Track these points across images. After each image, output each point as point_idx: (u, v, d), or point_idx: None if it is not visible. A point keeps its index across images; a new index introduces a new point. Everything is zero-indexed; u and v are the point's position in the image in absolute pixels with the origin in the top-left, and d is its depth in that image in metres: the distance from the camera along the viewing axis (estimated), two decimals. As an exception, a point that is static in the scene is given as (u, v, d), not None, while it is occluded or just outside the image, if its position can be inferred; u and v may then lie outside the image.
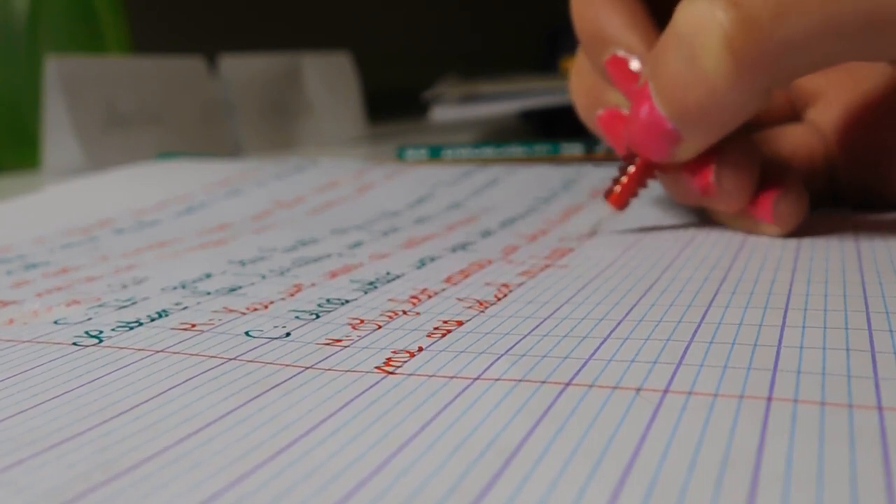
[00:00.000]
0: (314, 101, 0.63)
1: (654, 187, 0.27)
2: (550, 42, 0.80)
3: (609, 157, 0.38)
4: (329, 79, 0.65)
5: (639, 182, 0.22)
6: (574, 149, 0.39)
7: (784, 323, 0.15)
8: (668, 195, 0.24)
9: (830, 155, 0.25)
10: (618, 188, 0.22)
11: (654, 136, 0.20)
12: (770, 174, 0.22)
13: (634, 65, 0.22)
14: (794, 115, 0.27)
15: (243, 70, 0.58)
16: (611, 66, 0.22)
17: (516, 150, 0.40)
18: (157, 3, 0.75)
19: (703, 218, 0.25)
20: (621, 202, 0.22)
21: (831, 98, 0.25)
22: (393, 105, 0.75)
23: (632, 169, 0.22)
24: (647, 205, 0.28)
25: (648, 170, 0.22)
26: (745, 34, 0.18)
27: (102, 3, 0.55)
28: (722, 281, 0.18)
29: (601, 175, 0.33)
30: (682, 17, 0.19)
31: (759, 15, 0.18)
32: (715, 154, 0.21)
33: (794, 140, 0.25)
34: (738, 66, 0.18)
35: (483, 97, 0.52)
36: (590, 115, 0.25)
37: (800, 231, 0.22)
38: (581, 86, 0.25)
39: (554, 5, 0.85)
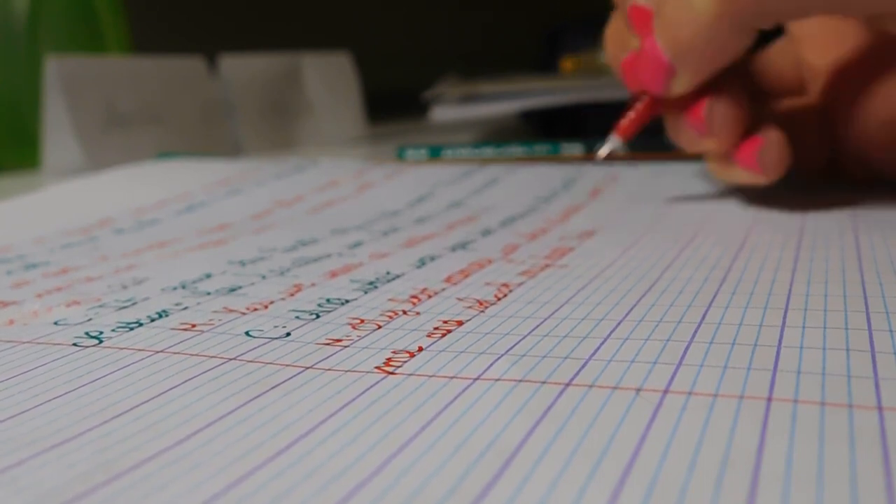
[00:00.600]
0: (314, 101, 0.63)
1: (651, 191, 0.27)
2: (550, 42, 0.80)
3: (609, 158, 0.38)
4: (329, 79, 0.65)
5: (644, 116, 0.25)
6: (574, 149, 0.39)
7: (784, 323, 0.15)
8: (672, 140, 0.26)
9: (826, 116, 0.27)
10: (625, 121, 0.26)
11: (654, 68, 0.23)
12: (759, 127, 0.24)
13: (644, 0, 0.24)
14: (802, 91, 0.29)
15: (243, 70, 0.58)
16: (632, 13, 0.25)
17: (516, 150, 0.40)
18: (157, 3, 0.75)
19: (703, 218, 0.25)
20: (628, 133, 0.26)
21: (835, 76, 0.27)
22: (393, 105, 0.75)
23: (639, 105, 0.25)
24: (647, 205, 0.28)
25: (653, 106, 0.25)
26: None
27: (102, 3, 0.54)
28: (722, 281, 0.18)
29: (602, 174, 0.33)
30: None
31: None
32: (707, 92, 0.24)
33: (795, 103, 0.28)
34: (721, 4, 0.21)
35: (483, 97, 0.52)
36: (616, 60, 0.27)
37: (800, 229, 0.22)
38: (613, 37, 0.28)
39: (554, 5, 0.85)
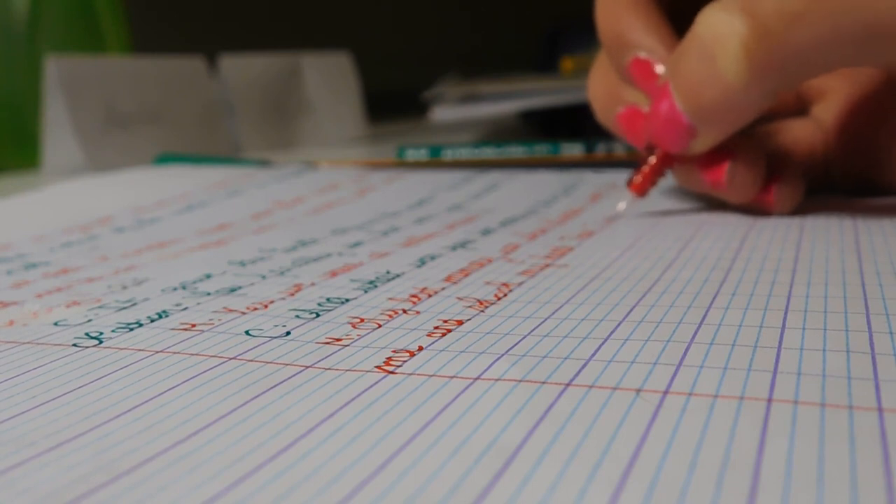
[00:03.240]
0: (314, 101, 0.63)
1: (651, 193, 0.27)
2: (550, 42, 0.80)
3: (609, 158, 0.38)
4: (329, 79, 0.65)
5: (657, 172, 0.25)
6: (574, 149, 0.39)
7: (784, 325, 0.15)
8: (680, 185, 0.26)
9: (828, 147, 0.27)
10: (639, 178, 0.25)
11: (673, 130, 0.23)
12: (772, 164, 0.24)
13: (659, 68, 0.24)
14: (800, 109, 0.29)
15: (243, 70, 0.58)
16: (633, 67, 0.24)
17: (516, 150, 0.40)
18: (157, 3, 0.75)
19: (703, 219, 0.25)
20: (642, 190, 0.25)
21: (834, 96, 0.28)
22: (393, 105, 0.75)
23: (652, 160, 0.25)
24: (647, 205, 0.28)
25: (666, 162, 0.25)
26: (760, 42, 0.20)
27: (102, 3, 0.54)
28: (722, 282, 0.18)
29: (602, 180, 0.33)
30: (704, 24, 0.21)
31: (773, 25, 0.20)
32: (727, 153, 0.24)
33: (797, 133, 0.27)
34: (752, 70, 0.21)
35: (483, 97, 0.52)
36: (609, 113, 0.27)
37: (800, 229, 0.22)
38: (600, 87, 0.27)
39: (554, 5, 0.85)
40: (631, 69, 0.24)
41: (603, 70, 0.27)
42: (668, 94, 0.22)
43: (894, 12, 0.19)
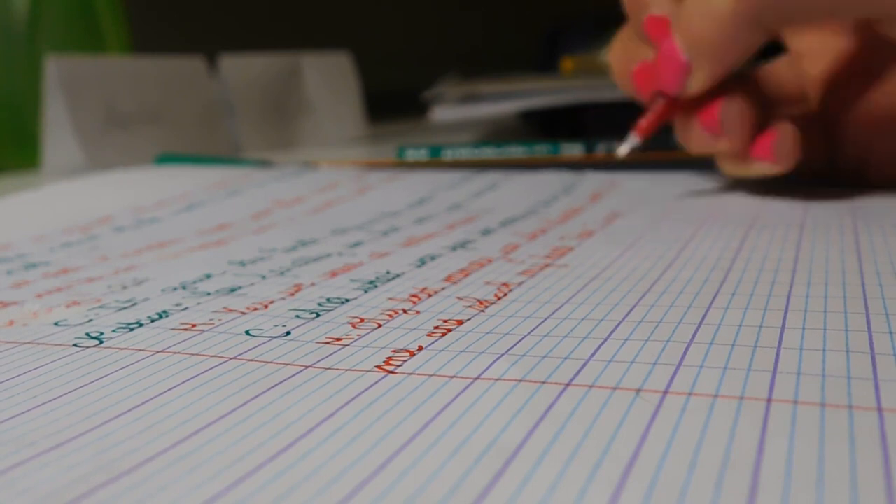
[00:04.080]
0: (314, 101, 0.63)
1: (651, 194, 0.27)
2: (550, 42, 0.80)
3: (609, 159, 0.38)
4: (329, 79, 0.65)
5: (662, 117, 0.27)
6: (574, 149, 0.39)
7: (784, 325, 0.15)
8: (682, 142, 0.28)
9: (826, 122, 0.29)
10: (644, 121, 0.27)
11: (671, 67, 0.25)
12: (769, 121, 0.26)
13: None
14: (803, 101, 0.30)
15: (243, 70, 0.57)
16: (648, 24, 0.26)
17: (516, 150, 0.40)
18: (157, 3, 0.75)
19: (703, 219, 0.25)
20: (646, 131, 0.27)
21: (836, 88, 0.29)
22: (393, 105, 0.75)
23: (657, 106, 0.27)
24: (647, 205, 0.28)
25: (670, 108, 0.27)
26: None
27: (102, 3, 0.54)
28: (722, 282, 0.18)
29: (602, 180, 0.33)
30: None
31: None
32: (722, 95, 0.25)
33: (797, 109, 0.29)
34: (739, 4, 0.23)
35: (483, 97, 0.52)
36: (625, 72, 0.29)
37: (799, 228, 0.22)
38: (619, 51, 0.30)
39: (554, 5, 0.85)
40: (646, 26, 0.26)
41: (623, 38, 0.30)
42: (669, 36, 0.25)
43: None
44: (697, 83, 0.25)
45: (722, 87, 0.26)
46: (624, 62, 0.29)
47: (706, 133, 0.26)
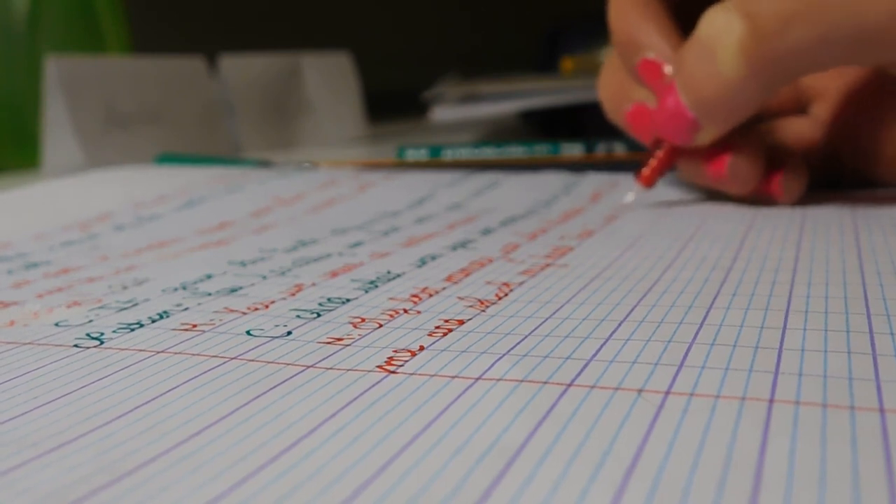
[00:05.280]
0: (314, 101, 0.63)
1: (651, 194, 0.27)
2: (550, 42, 0.80)
3: (609, 158, 0.38)
4: (329, 79, 0.65)
5: (664, 165, 0.26)
6: (574, 149, 0.39)
7: (785, 325, 0.15)
8: (686, 180, 0.28)
9: (829, 142, 0.29)
10: (647, 170, 0.26)
11: (678, 123, 0.24)
12: (777, 156, 0.26)
13: (667, 68, 0.25)
14: (799, 108, 0.31)
15: (243, 70, 0.57)
16: (642, 67, 0.26)
17: (516, 150, 0.40)
18: (157, 3, 0.75)
19: (703, 218, 0.25)
20: (650, 181, 0.27)
21: (832, 96, 0.29)
22: (393, 105, 0.75)
23: (659, 153, 0.26)
24: (647, 205, 0.28)
25: (673, 155, 0.26)
26: (756, 41, 0.22)
27: (102, 3, 0.54)
28: (722, 282, 0.18)
29: (602, 180, 0.33)
30: (706, 26, 0.23)
31: (769, 26, 0.22)
32: (728, 147, 0.25)
33: (797, 128, 0.29)
34: (749, 67, 0.22)
35: (483, 97, 0.52)
36: (617, 111, 0.29)
37: (800, 228, 0.22)
38: (609, 87, 0.29)
39: (554, 5, 0.85)
40: (640, 69, 0.26)
41: (612, 70, 0.29)
42: (673, 90, 0.24)
43: (881, 19, 0.21)
44: (705, 139, 0.25)
45: (729, 137, 0.25)
46: (616, 101, 0.29)
47: (714, 179, 0.26)
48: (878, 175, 0.28)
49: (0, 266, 0.23)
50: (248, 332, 0.16)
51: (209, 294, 0.19)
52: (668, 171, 0.27)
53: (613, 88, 0.29)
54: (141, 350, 0.15)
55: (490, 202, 0.30)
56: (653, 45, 0.25)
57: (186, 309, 0.18)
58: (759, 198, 0.26)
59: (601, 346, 0.14)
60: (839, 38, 0.22)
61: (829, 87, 0.29)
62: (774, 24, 0.22)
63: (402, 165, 0.41)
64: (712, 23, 0.23)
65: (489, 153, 0.40)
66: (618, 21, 0.27)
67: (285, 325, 0.16)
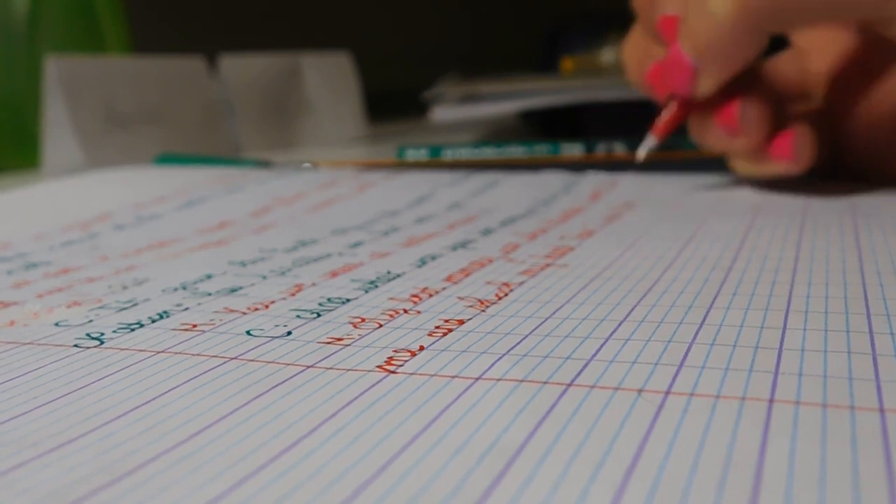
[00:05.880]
0: (314, 101, 0.63)
1: (651, 194, 0.27)
2: (550, 42, 0.80)
3: (609, 159, 0.38)
4: (329, 79, 0.65)
5: (677, 118, 0.28)
6: (574, 149, 0.39)
7: (785, 325, 0.15)
8: (699, 141, 0.28)
9: (830, 118, 0.29)
10: (660, 123, 0.28)
11: (678, 70, 0.26)
12: (784, 121, 0.26)
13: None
14: (807, 97, 0.31)
15: (243, 70, 0.57)
16: (661, 23, 0.27)
17: (516, 150, 0.40)
18: (157, 3, 0.75)
19: (703, 218, 0.25)
20: (663, 133, 0.28)
21: (840, 84, 0.30)
22: (393, 105, 0.75)
23: (672, 107, 0.27)
24: (646, 205, 0.28)
25: (684, 109, 0.27)
26: None
27: (102, 3, 0.54)
28: (722, 282, 0.18)
29: (602, 180, 0.33)
30: None
31: None
32: (737, 96, 0.26)
33: (804, 107, 0.30)
34: (737, 9, 0.24)
35: (483, 97, 0.52)
36: (639, 73, 0.29)
37: (800, 228, 0.22)
38: (632, 50, 0.30)
39: (554, 5, 0.85)
40: (660, 25, 0.27)
41: (636, 36, 0.30)
42: (676, 39, 0.26)
43: None
44: (705, 87, 0.26)
45: (737, 86, 0.26)
46: (637, 62, 0.29)
47: (724, 132, 0.26)
48: (882, 167, 0.28)
49: (0, 266, 0.23)
50: (248, 332, 0.16)
51: (209, 294, 0.19)
52: (680, 123, 0.28)
53: (637, 54, 0.30)
54: (141, 350, 0.15)
55: (490, 202, 0.30)
56: (669, 1, 0.26)
57: (186, 309, 0.18)
58: (766, 169, 0.27)
59: (601, 346, 0.14)
60: None
61: (835, 76, 0.30)
62: None
63: (402, 165, 0.41)
64: None
65: (489, 153, 0.40)
66: None
67: (285, 325, 0.16)
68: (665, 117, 0.28)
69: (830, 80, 0.30)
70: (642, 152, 0.28)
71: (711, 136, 0.27)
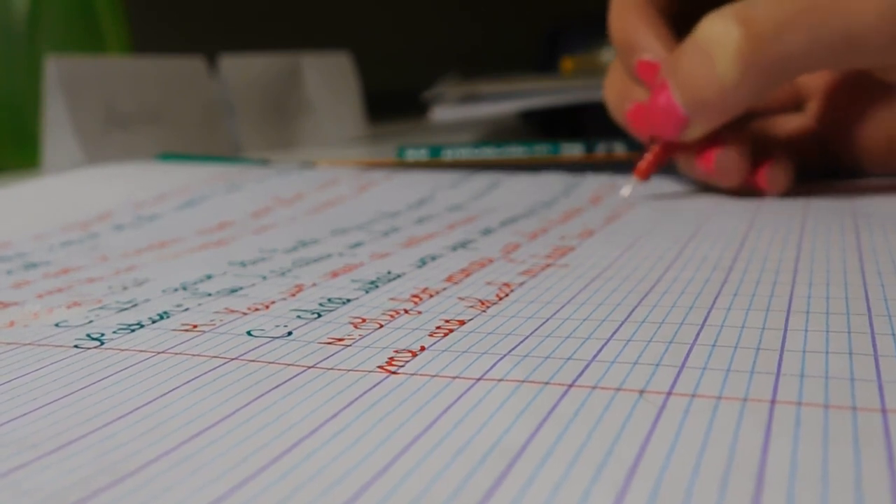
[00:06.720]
0: (314, 101, 0.63)
1: (651, 194, 0.27)
2: (550, 42, 0.80)
3: (609, 158, 0.38)
4: (329, 79, 0.65)
5: (659, 159, 0.28)
6: (574, 149, 0.39)
7: (787, 326, 0.15)
8: (682, 172, 0.30)
9: (821, 135, 0.31)
10: (643, 164, 0.28)
11: (668, 119, 0.26)
12: (765, 150, 0.28)
13: (662, 69, 0.26)
14: (796, 105, 0.32)
15: (243, 70, 0.57)
16: (640, 68, 0.27)
17: (516, 150, 0.40)
18: (157, 3, 0.75)
19: (703, 218, 0.25)
20: (645, 174, 0.28)
21: (826, 95, 0.31)
22: (393, 105, 0.75)
23: (655, 148, 0.28)
24: (647, 205, 0.28)
25: (667, 150, 0.28)
26: (753, 47, 0.24)
27: (102, 3, 0.54)
28: (723, 283, 0.18)
29: (602, 180, 0.33)
30: (704, 30, 0.25)
31: (765, 32, 0.23)
32: (717, 142, 0.27)
33: (795, 125, 0.31)
34: (744, 70, 0.24)
35: (483, 97, 0.52)
36: (620, 110, 0.30)
37: (800, 228, 0.22)
38: (613, 88, 0.31)
39: (554, 5, 0.85)
40: (638, 69, 0.27)
41: (616, 74, 0.31)
42: (666, 89, 0.26)
43: (867, 26, 0.23)
44: (693, 135, 0.26)
45: (718, 133, 0.26)
46: (618, 101, 0.30)
47: (703, 173, 0.28)
48: (865, 164, 0.30)
49: (0, 266, 0.23)
50: (248, 333, 0.16)
51: (209, 294, 0.19)
52: (662, 165, 0.28)
53: (617, 90, 0.31)
54: (141, 351, 0.15)
55: (490, 202, 0.30)
56: (649, 48, 0.27)
57: (187, 309, 0.18)
58: (749, 189, 0.28)
59: (602, 347, 0.14)
60: (830, 42, 0.23)
61: (822, 86, 0.31)
62: (770, 29, 0.23)
63: (402, 165, 0.41)
64: (711, 28, 0.24)
65: (489, 153, 0.40)
66: (617, 25, 0.28)
67: (286, 326, 0.16)
68: (648, 158, 0.28)
69: (824, 93, 0.30)
70: (626, 192, 0.28)
71: (694, 172, 0.28)
